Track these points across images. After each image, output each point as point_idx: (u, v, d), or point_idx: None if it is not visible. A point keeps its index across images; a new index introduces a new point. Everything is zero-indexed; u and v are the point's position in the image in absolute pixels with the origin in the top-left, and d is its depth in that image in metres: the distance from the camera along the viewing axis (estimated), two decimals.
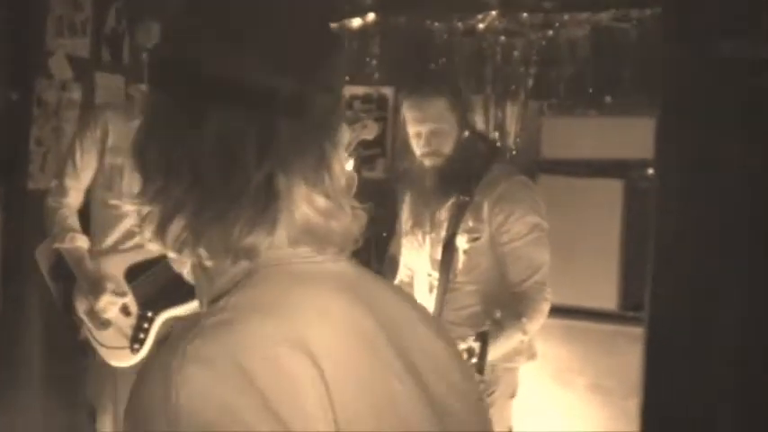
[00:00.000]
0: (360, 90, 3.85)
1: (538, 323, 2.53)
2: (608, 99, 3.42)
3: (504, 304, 2.48)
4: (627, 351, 3.16)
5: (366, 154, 3.60)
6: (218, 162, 0.80)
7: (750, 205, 2.42)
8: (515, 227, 2.53)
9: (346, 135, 0.88)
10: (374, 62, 3.85)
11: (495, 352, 2.40)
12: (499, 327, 2.43)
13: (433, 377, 0.86)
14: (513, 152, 3.58)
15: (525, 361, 2.64)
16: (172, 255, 0.85)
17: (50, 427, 3.41)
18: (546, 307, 2.53)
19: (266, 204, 0.81)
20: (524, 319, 2.46)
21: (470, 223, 2.56)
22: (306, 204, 0.83)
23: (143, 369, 0.76)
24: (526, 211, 2.54)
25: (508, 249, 2.53)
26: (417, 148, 2.58)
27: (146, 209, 0.84)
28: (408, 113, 2.58)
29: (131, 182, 1.66)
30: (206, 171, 0.80)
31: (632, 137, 3.18)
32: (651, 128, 2.72)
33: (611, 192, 3.29)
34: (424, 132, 2.54)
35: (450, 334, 1.02)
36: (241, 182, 0.80)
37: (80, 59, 3.52)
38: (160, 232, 0.83)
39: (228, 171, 0.80)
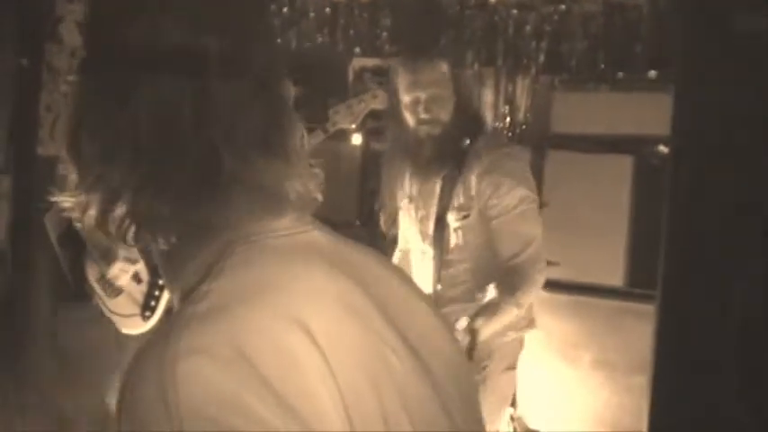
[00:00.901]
0: (370, 62, 3.84)
1: (532, 296, 2.48)
2: (620, 74, 3.40)
3: (495, 280, 2.45)
4: (632, 328, 3.17)
5: (374, 126, 3.59)
6: (154, 136, 0.76)
7: (764, 183, 2.40)
8: (504, 200, 2.45)
9: (292, 90, 0.84)
10: (384, 34, 3.83)
11: (492, 328, 2.39)
12: (494, 304, 2.41)
13: (424, 347, 0.85)
14: (524, 126, 3.57)
15: (518, 333, 2.58)
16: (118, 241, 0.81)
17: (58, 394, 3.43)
18: (541, 279, 2.47)
19: (211, 173, 0.76)
20: (519, 293, 2.41)
21: (460, 199, 2.49)
22: (256, 168, 0.79)
23: (132, 366, 0.70)
24: (514, 183, 2.45)
25: (498, 224, 2.46)
26: (413, 115, 2.49)
27: (84, 199, 0.80)
28: (407, 78, 2.49)
29: None
30: (143, 149, 0.76)
31: (644, 113, 3.16)
32: (663, 103, 2.71)
33: (620, 168, 3.28)
34: (423, 98, 2.46)
35: (442, 310, 1.00)
36: (181, 153, 0.76)
37: None
38: (102, 219, 0.80)
39: (166, 144, 0.76)
